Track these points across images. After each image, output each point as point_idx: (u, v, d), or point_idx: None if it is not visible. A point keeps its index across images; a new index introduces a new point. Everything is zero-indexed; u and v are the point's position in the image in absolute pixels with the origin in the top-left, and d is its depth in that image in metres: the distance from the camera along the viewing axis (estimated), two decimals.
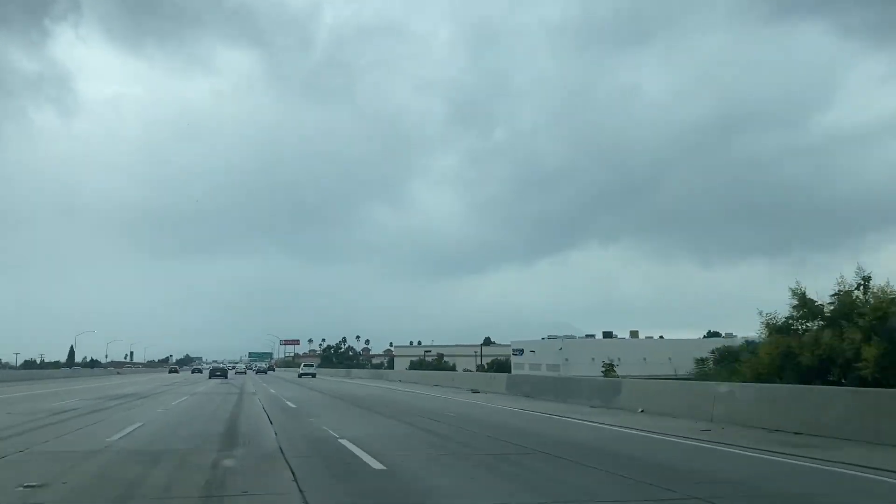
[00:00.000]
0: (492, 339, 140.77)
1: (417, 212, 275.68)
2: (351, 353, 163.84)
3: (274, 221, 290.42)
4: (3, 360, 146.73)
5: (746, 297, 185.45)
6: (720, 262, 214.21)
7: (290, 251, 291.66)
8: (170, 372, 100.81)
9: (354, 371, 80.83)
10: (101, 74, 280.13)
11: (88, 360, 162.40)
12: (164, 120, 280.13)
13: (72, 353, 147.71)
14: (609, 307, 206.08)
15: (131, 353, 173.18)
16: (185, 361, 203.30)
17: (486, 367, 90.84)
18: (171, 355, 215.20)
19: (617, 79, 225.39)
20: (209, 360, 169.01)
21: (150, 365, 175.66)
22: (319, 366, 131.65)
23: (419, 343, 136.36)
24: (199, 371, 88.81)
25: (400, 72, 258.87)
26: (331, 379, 59.46)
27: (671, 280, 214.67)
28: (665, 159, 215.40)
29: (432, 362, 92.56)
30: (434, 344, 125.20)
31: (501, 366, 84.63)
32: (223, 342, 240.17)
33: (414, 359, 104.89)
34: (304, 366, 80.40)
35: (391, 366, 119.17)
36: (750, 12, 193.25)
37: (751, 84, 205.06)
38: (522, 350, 62.25)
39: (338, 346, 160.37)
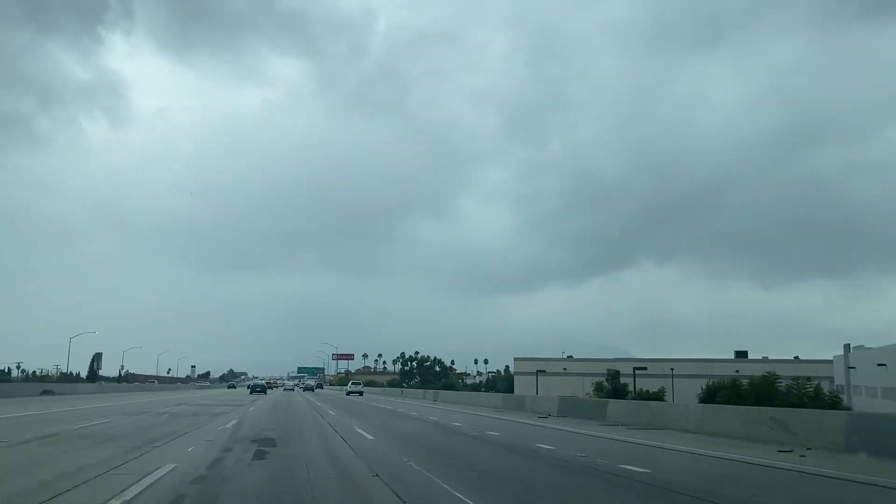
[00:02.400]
0: (572, 356, 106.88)
1: (466, 227, 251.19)
2: (438, 369, 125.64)
3: (321, 236, 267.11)
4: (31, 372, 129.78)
5: (808, 320, 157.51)
6: (779, 283, 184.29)
7: (336, 266, 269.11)
8: (229, 387, 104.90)
9: (447, 394, 52.39)
10: (152, 84, 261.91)
11: (125, 373, 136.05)
12: (214, 131, 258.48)
13: (94, 363, 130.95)
14: (661, 328, 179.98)
15: (167, 368, 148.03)
16: (229, 377, 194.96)
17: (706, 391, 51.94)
18: (193, 365, 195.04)
19: (680, 87, 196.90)
20: (252, 375, 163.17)
21: (188, 380, 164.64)
22: (397, 384, 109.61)
23: (482, 366, 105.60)
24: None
25: (453, 82, 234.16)
26: (455, 411, 30.46)
27: (727, 302, 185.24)
28: (726, 174, 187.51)
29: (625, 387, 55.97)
30: (566, 356, 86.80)
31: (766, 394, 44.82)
32: (269, 357, 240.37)
33: (559, 372, 66.44)
34: (352, 383, 77.03)
35: (510, 388, 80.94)
36: (834, 12, 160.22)
37: (822, 93, 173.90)
38: None
39: (422, 360, 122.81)
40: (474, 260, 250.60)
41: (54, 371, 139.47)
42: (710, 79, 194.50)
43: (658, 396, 52.03)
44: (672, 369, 68.39)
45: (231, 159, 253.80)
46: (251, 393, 62.42)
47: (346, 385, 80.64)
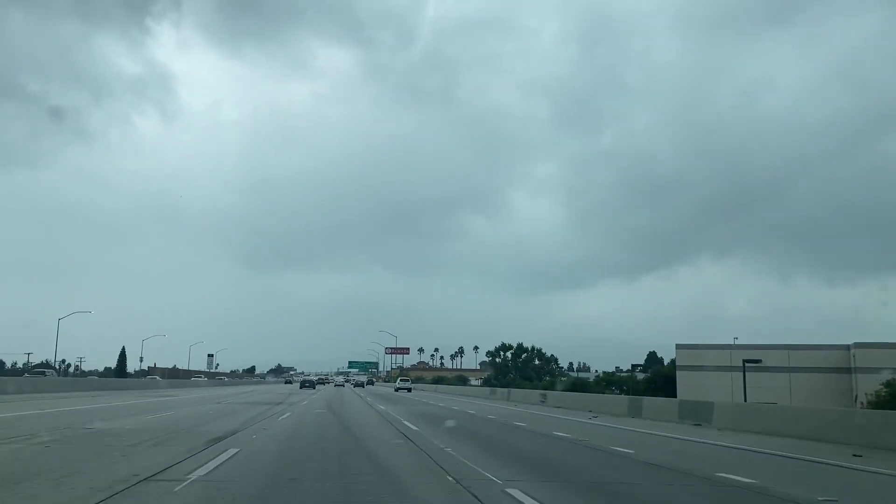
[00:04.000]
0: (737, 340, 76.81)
1: (517, 222, 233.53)
2: (538, 363, 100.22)
3: (370, 231, 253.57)
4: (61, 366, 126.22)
5: (878, 317, 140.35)
6: (845, 278, 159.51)
7: (386, 262, 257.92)
8: (286, 383, 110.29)
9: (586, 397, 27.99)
10: (202, 78, 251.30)
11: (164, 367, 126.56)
12: (263, 125, 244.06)
13: (122, 358, 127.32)
14: (717, 327, 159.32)
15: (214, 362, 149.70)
16: (277, 371, 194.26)
17: None
18: (211, 354, 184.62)
19: (743, 71, 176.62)
20: (300, 370, 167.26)
21: (234, 375, 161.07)
22: (486, 382, 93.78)
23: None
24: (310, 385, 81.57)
25: (504, 70, 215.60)
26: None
27: (788, 298, 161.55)
28: (790, 163, 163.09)
29: None
30: (741, 342, 62.64)
31: None
32: (318, 353, 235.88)
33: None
34: (400, 380, 79.02)
35: (672, 390, 54.46)
36: None
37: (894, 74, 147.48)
38: None
39: (519, 349, 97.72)
40: (526, 255, 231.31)
41: (78, 363, 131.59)
42: (775, 61, 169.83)
43: None
44: None
45: (281, 154, 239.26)
46: (301, 388, 66.51)
47: (395, 382, 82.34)
